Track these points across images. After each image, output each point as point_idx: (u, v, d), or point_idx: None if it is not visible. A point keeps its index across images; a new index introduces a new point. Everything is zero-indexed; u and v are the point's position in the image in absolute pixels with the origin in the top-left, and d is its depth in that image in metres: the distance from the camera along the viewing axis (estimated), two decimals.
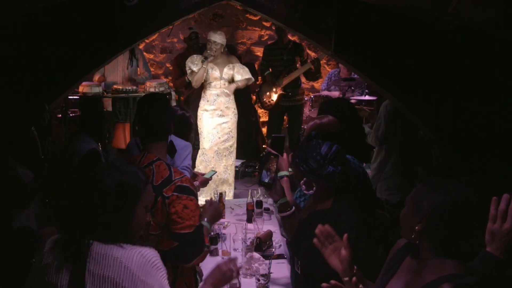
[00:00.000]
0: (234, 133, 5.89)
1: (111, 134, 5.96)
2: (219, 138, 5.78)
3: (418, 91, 3.80)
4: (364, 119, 5.29)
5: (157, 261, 1.83)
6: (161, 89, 6.29)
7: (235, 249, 3.48)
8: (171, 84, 7.03)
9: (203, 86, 5.82)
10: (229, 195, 5.74)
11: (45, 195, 3.49)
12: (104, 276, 1.78)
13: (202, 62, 5.59)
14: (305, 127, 6.51)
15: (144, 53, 7.15)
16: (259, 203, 3.92)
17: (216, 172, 4.90)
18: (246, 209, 4.05)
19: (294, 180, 3.33)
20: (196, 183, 3.71)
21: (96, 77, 6.39)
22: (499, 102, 3.51)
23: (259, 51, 7.94)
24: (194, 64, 5.68)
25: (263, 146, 7.36)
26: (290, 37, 6.63)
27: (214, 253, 3.48)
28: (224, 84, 5.75)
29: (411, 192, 1.86)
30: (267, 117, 7.00)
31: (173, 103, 6.44)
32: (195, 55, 5.80)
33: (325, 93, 6.85)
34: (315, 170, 2.44)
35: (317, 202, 2.56)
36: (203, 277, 2.35)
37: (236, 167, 6.89)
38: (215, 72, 5.69)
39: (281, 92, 6.38)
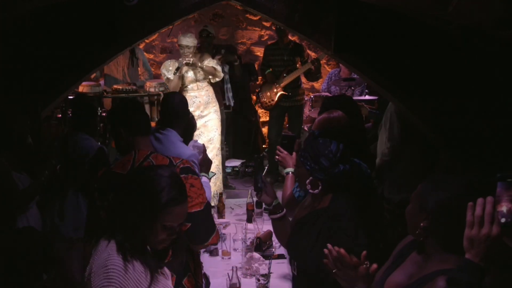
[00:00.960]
0: (219, 129, 5.86)
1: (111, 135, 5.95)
2: (206, 136, 5.77)
3: (418, 91, 3.79)
4: (363, 117, 5.27)
5: (111, 271, 1.75)
6: (161, 89, 6.30)
7: (235, 249, 3.48)
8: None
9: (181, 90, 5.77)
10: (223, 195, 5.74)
11: (48, 196, 3.48)
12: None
13: (176, 70, 5.58)
14: (305, 127, 6.56)
15: (144, 53, 7.15)
16: (259, 203, 3.92)
17: (215, 174, 4.91)
18: (246, 209, 4.05)
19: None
20: None
21: (93, 75, 6.39)
22: (499, 102, 3.51)
23: (259, 51, 7.93)
24: (168, 71, 5.71)
25: (263, 146, 7.36)
26: (290, 37, 6.63)
27: (214, 253, 3.48)
28: (202, 85, 5.77)
29: (416, 189, 1.86)
30: (267, 117, 7.00)
31: None
32: (168, 61, 5.84)
33: (326, 93, 6.85)
34: (326, 168, 2.41)
35: (316, 201, 2.54)
36: None
37: (235, 167, 6.90)
38: (189, 75, 5.71)
39: (281, 92, 6.38)
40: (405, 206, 1.90)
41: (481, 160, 3.52)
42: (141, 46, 7.25)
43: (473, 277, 1.51)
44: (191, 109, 5.73)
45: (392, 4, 3.32)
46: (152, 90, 6.28)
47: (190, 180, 2.41)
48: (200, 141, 5.68)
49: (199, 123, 5.74)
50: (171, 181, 1.86)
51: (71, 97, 6.16)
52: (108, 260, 1.77)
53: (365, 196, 2.84)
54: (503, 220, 1.49)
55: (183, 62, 5.55)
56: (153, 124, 5.78)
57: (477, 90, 3.61)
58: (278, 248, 3.53)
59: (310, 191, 2.48)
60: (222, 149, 6.09)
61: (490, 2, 1.95)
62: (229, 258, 3.44)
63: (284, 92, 6.38)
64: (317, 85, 7.91)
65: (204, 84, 5.79)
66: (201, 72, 5.72)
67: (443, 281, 1.60)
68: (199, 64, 5.66)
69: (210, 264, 3.26)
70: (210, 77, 5.76)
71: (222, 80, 6.01)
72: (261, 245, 3.41)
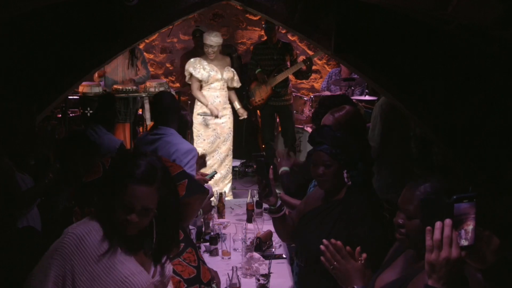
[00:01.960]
0: (231, 133, 5.90)
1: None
2: (220, 138, 5.80)
3: (418, 91, 3.79)
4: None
5: (59, 249, 1.88)
6: (161, 89, 6.30)
7: (235, 249, 3.48)
8: (172, 84, 7.04)
9: (200, 87, 5.84)
10: (228, 195, 5.76)
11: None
12: None
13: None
14: (305, 127, 6.55)
15: (144, 53, 7.15)
16: (259, 203, 3.92)
17: (216, 172, 4.90)
18: (246, 209, 4.05)
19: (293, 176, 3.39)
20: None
21: (95, 74, 6.39)
22: (499, 102, 3.51)
23: None
24: (195, 69, 5.72)
25: (263, 146, 7.37)
26: (290, 37, 6.63)
27: (214, 253, 3.48)
28: (224, 85, 5.78)
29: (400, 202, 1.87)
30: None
31: None
32: (193, 59, 5.82)
33: (325, 93, 6.85)
34: (356, 156, 2.47)
35: (331, 194, 2.57)
36: None
37: (235, 167, 6.90)
38: (216, 74, 5.72)
39: (271, 91, 6.38)
40: (392, 205, 1.92)
41: (481, 160, 3.53)
42: (141, 46, 7.26)
43: None
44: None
45: (392, 4, 3.32)
46: (152, 90, 6.28)
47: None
48: (215, 142, 5.72)
49: (215, 123, 5.78)
50: (141, 162, 1.94)
51: (71, 97, 6.18)
52: (65, 233, 1.92)
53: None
54: (463, 242, 1.47)
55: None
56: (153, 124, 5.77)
57: (477, 90, 3.61)
58: (278, 248, 3.53)
59: (349, 183, 2.50)
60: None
61: (490, 2, 1.95)
62: (229, 258, 3.44)
63: (274, 91, 6.37)
64: (317, 85, 7.92)
65: (225, 85, 5.84)
66: (227, 73, 5.76)
67: None
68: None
69: (210, 264, 3.24)
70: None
71: None
72: (261, 245, 3.41)
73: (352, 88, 6.64)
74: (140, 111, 6.52)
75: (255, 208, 3.94)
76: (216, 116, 5.75)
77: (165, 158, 2.48)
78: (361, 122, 3.02)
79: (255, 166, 2.89)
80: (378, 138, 4.23)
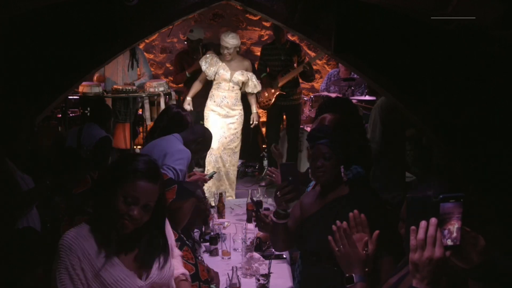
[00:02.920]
0: (239, 133, 5.91)
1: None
2: (226, 138, 5.79)
3: (418, 91, 3.79)
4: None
5: (61, 247, 1.92)
6: (161, 89, 6.30)
7: (235, 249, 3.48)
8: (172, 84, 7.04)
9: (210, 85, 5.84)
10: (232, 195, 5.77)
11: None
12: None
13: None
14: (305, 127, 6.55)
15: (144, 53, 7.15)
16: (259, 203, 3.92)
17: (216, 172, 4.90)
18: (246, 209, 4.05)
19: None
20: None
21: (95, 76, 6.40)
22: (499, 102, 3.51)
23: (259, 51, 7.92)
24: (206, 62, 5.74)
25: (263, 146, 7.36)
26: (290, 36, 6.63)
27: (214, 253, 3.48)
28: (233, 87, 5.78)
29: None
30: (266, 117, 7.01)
31: (173, 103, 6.44)
32: (209, 54, 5.82)
33: (325, 93, 6.85)
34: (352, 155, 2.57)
35: (332, 192, 2.60)
36: None
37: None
38: (225, 74, 5.71)
39: (279, 92, 6.38)
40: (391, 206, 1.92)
41: (482, 160, 3.53)
42: (141, 46, 7.26)
43: None
44: (217, 107, 5.76)
45: (392, 4, 3.33)
46: (152, 90, 6.28)
47: None
48: (221, 140, 5.73)
49: (223, 122, 5.78)
50: (142, 159, 2.03)
51: (71, 97, 6.18)
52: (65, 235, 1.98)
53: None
54: (448, 242, 1.46)
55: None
56: (153, 124, 5.78)
57: (477, 90, 3.61)
58: None
59: (346, 178, 2.56)
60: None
61: (490, 2, 1.95)
62: (229, 258, 3.44)
63: (281, 92, 6.38)
64: (316, 85, 7.92)
65: (237, 87, 5.82)
66: (239, 77, 5.76)
67: None
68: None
69: (210, 264, 3.25)
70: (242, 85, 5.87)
71: None
72: (261, 245, 3.41)
73: (352, 88, 6.64)
74: (140, 111, 6.52)
75: (255, 208, 3.94)
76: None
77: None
78: (347, 125, 3.02)
79: (280, 170, 2.86)
80: (377, 139, 4.24)
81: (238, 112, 5.87)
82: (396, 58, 3.84)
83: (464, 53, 3.58)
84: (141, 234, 2.05)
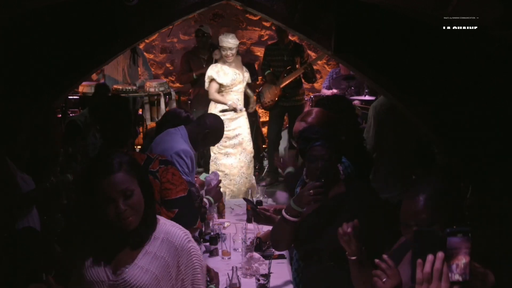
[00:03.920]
0: (244, 136, 5.89)
1: None
2: (231, 140, 5.77)
3: (418, 92, 3.79)
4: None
5: None
6: (161, 89, 6.31)
7: (235, 249, 3.48)
8: (172, 84, 7.04)
9: (219, 90, 5.79)
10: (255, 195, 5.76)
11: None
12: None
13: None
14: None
15: (144, 53, 7.16)
16: (259, 203, 3.92)
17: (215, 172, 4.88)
18: (246, 209, 4.04)
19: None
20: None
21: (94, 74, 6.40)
22: (499, 102, 3.51)
23: (259, 51, 7.94)
24: (218, 74, 5.69)
25: (263, 146, 7.36)
26: (290, 37, 6.63)
27: (214, 253, 3.48)
28: (244, 86, 5.82)
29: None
30: (267, 117, 7.01)
31: (173, 103, 6.45)
32: (213, 65, 5.77)
33: (328, 92, 6.85)
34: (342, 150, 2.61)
35: (328, 190, 2.58)
36: None
37: None
38: (238, 77, 5.71)
39: (281, 92, 6.39)
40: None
41: (481, 160, 3.53)
42: (141, 46, 7.26)
43: None
44: (229, 111, 5.71)
45: (392, 4, 3.33)
46: (152, 90, 6.28)
47: (171, 169, 2.68)
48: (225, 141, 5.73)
49: (233, 125, 5.77)
50: (100, 161, 2.02)
51: (71, 97, 6.18)
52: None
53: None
54: (456, 276, 1.45)
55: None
56: (153, 124, 5.81)
57: (477, 90, 3.61)
58: None
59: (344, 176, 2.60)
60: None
61: (490, 2, 1.95)
62: (229, 258, 3.44)
63: (283, 93, 6.38)
64: (317, 85, 7.92)
65: (241, 88, 5.85)
66: (247, 73, 5.84)
67: None
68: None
69: (210, 264, 3.25)
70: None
71: None
72: (261, 245, 3.41)
73: (353, 88, 6.64)
74: (140, 111, 6.52)
75: (251, 206, 3.94)
76: (236, 110, 5.72)
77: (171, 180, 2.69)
78: (334, 119, 3.06)
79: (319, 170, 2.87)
80: (372, 140, 4.23)
81: (244, 113, 5.90)
82: (396, 58, 3.83)
83: (464, 53, 3.58)
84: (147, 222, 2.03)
